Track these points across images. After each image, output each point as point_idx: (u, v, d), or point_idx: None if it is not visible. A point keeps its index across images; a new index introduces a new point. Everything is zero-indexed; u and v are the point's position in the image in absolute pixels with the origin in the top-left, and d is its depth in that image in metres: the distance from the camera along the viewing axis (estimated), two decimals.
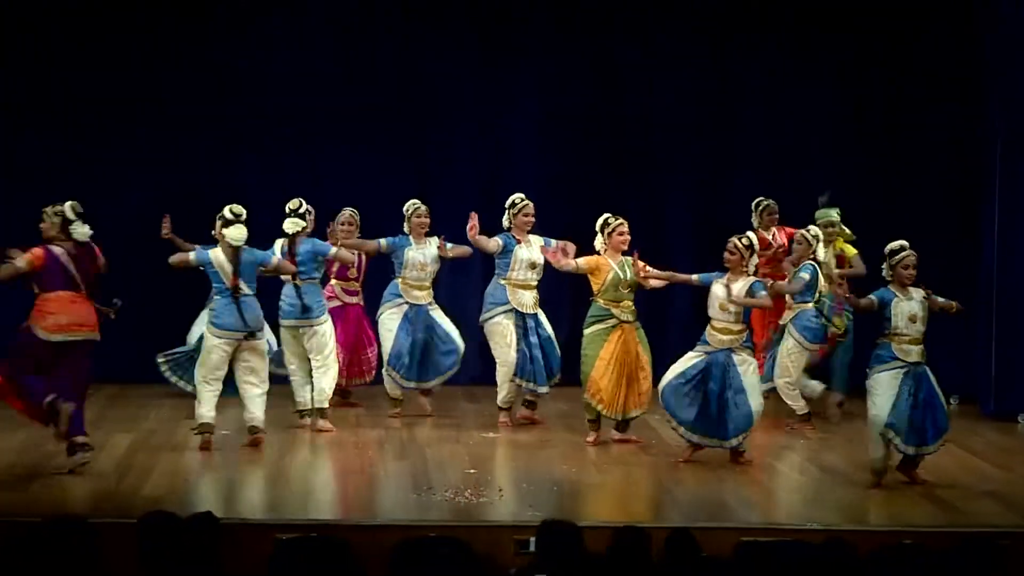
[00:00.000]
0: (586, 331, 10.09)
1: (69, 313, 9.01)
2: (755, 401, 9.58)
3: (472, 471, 9.23)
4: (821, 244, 10.86)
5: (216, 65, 12.57)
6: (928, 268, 10.68)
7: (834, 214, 11.21)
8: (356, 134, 12.71)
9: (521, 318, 10.71)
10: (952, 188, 12.38)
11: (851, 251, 11.16)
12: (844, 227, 11.24)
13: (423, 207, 10.97)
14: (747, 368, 9.58)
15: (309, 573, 4.98)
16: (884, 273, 9.21)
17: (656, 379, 9.94)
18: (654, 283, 10.10)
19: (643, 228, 11.42)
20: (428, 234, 10.94)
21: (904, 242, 9.28)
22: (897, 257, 9.18)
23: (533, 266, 10.67)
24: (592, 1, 12.84)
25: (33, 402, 8.92)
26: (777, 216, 11.72)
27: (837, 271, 11.05)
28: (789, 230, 11.44)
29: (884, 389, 9.03)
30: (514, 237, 10.71)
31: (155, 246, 10.85)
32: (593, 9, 12.83)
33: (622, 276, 10.02)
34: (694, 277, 9.88)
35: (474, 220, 10.65)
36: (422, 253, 10.89)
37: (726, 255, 9.69)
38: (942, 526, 8.07)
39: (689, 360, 9.66)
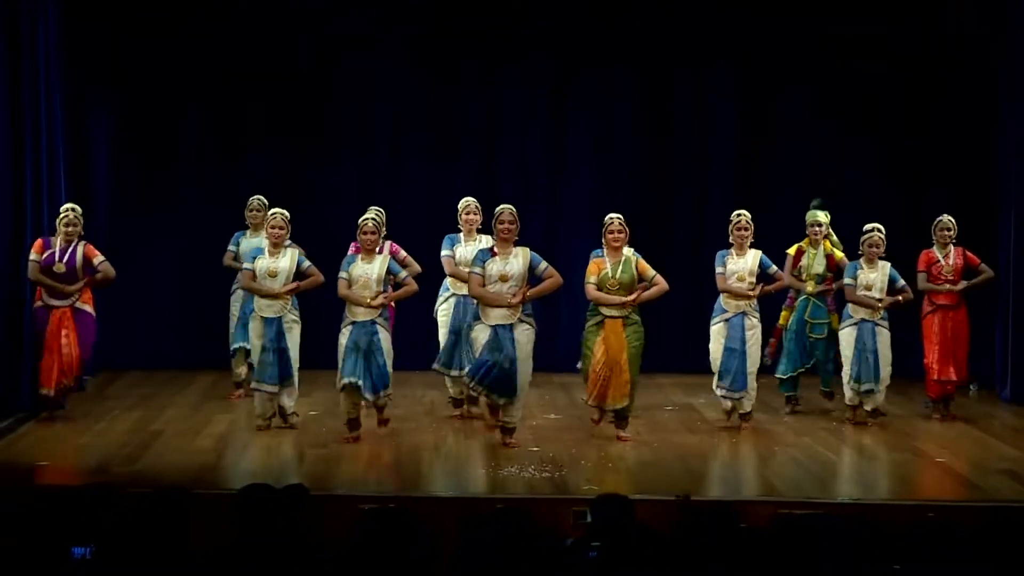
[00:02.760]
0: (584, 329, 9.65)
1: None
2: (751, 362, 9.84)
3: (535, 449, 9.20)
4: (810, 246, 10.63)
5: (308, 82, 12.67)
6: None
7: (820, 216, 10.64)
8: (433, 146, 12.74)
9: (495, 331, 9.19)
10: (973, 194, 12.18)
11: (840, 254, 10.62)
12: (832, 233, 10.71)
13: (473, 205, 10.36)
14: (753, 333, 9.87)
15: (388, 539, 4.96)
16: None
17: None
18: (644, 295, 9.47)
19: (688, 233, 11.39)
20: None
21: (873, 224, 10.17)
22: (864, 236, 10.18)
23: (504, 279, 9.22)
24: (645, 34, 12.75)
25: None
26: (950, 234, 10.53)
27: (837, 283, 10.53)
28: (971, 256, 10.65)
29: (846, 344, 10.11)
30: (490, 251, 9.36)
31: None
32: (645, 40, 12.76)
33: (610, 274, 9.49)
34: (720, 269, 9.93)
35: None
36: (470, 250, 10.11)
37: (742, 232, 9.93)
38: (963, 501, 8.00)
39: (721, 332, 9.90)
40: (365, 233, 9.49)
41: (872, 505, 7.79)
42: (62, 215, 9.92)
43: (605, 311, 9.48)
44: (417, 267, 10.23)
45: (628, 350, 9.43)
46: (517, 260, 9.24)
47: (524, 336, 9.21)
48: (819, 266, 10.58)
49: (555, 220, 12.54)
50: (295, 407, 9.83)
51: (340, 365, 9.42)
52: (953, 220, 10.60)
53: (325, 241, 11.19)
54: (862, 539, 5.17)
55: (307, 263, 9.77)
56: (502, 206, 9.53)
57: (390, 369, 9.48)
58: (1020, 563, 5.14)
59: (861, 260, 10.18)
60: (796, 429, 10.07)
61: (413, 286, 9.62)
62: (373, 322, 9.42)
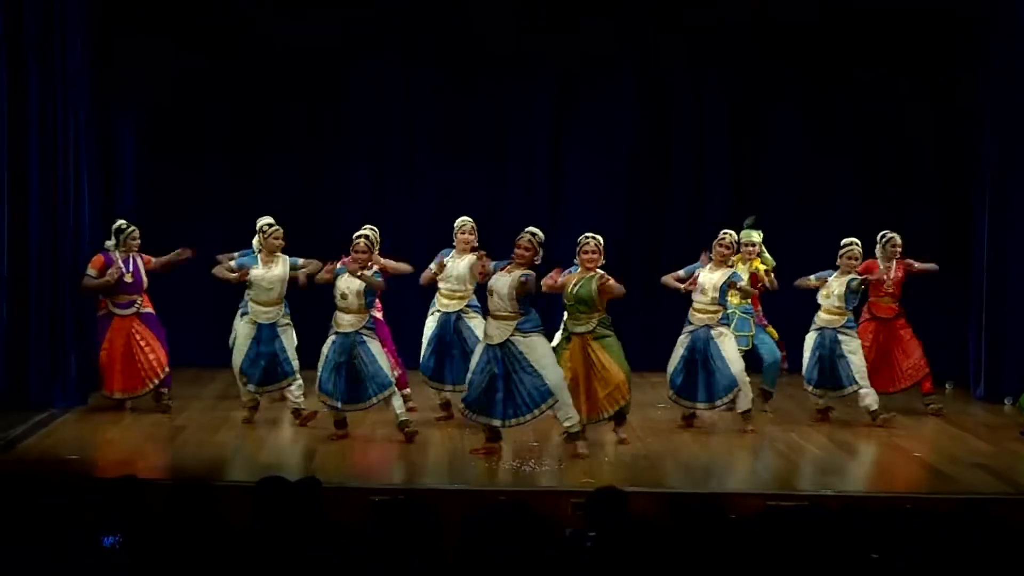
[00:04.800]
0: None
1: None
2: (735, 366, 9.62)
3: (535, 444, 9.20)
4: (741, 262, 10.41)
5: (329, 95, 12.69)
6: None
7: (755, 235, 10.51)
8: (442, 151, 12.75)
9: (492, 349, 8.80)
10: (951, 206, 12.19)
11: (763, 269, 10.47)
12: (765, 250, 10.58)
13: (469, 225, 10.14)
14: (724, 340, 9.67)
15: (398, 529, 4.96)
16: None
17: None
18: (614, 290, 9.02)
19: (686, 238, 11.36)
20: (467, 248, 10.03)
21: (852, 239, 10.07)
22: (844, 249, 10.06)
23: (490, 293, 8.82)
24: (645, 42, 12.73)
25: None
26: (899, 250, 10.34)
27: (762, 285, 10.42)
28: (914, 265, 10.47)
29: (808, 348, 10.10)
30: (503, 267, 8.90)
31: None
32: (646, 47, 12.74)
33: (572, 292, 9.07)
34: (680, 273, 9.87)
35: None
36: (460, 265, 9.95)
37: (722, 249, 9.78)
38: (940, 493, 7.99)
39: (681, 344, 9.79)
40: (357, 252, 9.30)
41: (854, 497, 7.79)
42: (128, 231, 10.25)
43: (571, 327, 9.16)
44: (405, 267, 10.15)
45: (607, 356, 9.06)
46: (510, 276, 8.77)
47: (529, 346, 8.75)
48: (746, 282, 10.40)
49: (559, 219, 12.50)
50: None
51: (319, 372, 9.27)
52: (899, 237, 10.41)
53: (336, 242, 11.19)
54: (845, 529, 5.17)
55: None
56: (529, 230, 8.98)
57: (387, 371, 9.20)
58: (992, 551, 5.15)
59: (838, 271, 10.07)
60: (782, 426, 10.06)
61: (406, 265, 9.67)
62: (358, 332, 9.18)
